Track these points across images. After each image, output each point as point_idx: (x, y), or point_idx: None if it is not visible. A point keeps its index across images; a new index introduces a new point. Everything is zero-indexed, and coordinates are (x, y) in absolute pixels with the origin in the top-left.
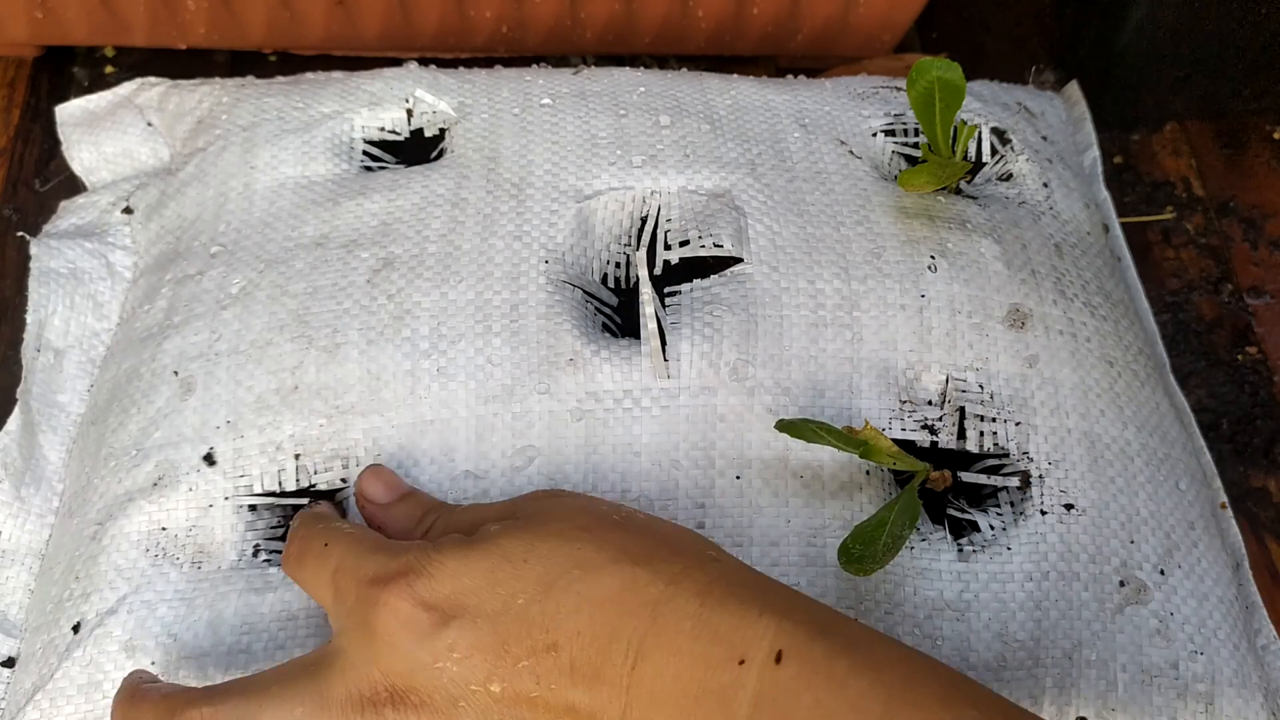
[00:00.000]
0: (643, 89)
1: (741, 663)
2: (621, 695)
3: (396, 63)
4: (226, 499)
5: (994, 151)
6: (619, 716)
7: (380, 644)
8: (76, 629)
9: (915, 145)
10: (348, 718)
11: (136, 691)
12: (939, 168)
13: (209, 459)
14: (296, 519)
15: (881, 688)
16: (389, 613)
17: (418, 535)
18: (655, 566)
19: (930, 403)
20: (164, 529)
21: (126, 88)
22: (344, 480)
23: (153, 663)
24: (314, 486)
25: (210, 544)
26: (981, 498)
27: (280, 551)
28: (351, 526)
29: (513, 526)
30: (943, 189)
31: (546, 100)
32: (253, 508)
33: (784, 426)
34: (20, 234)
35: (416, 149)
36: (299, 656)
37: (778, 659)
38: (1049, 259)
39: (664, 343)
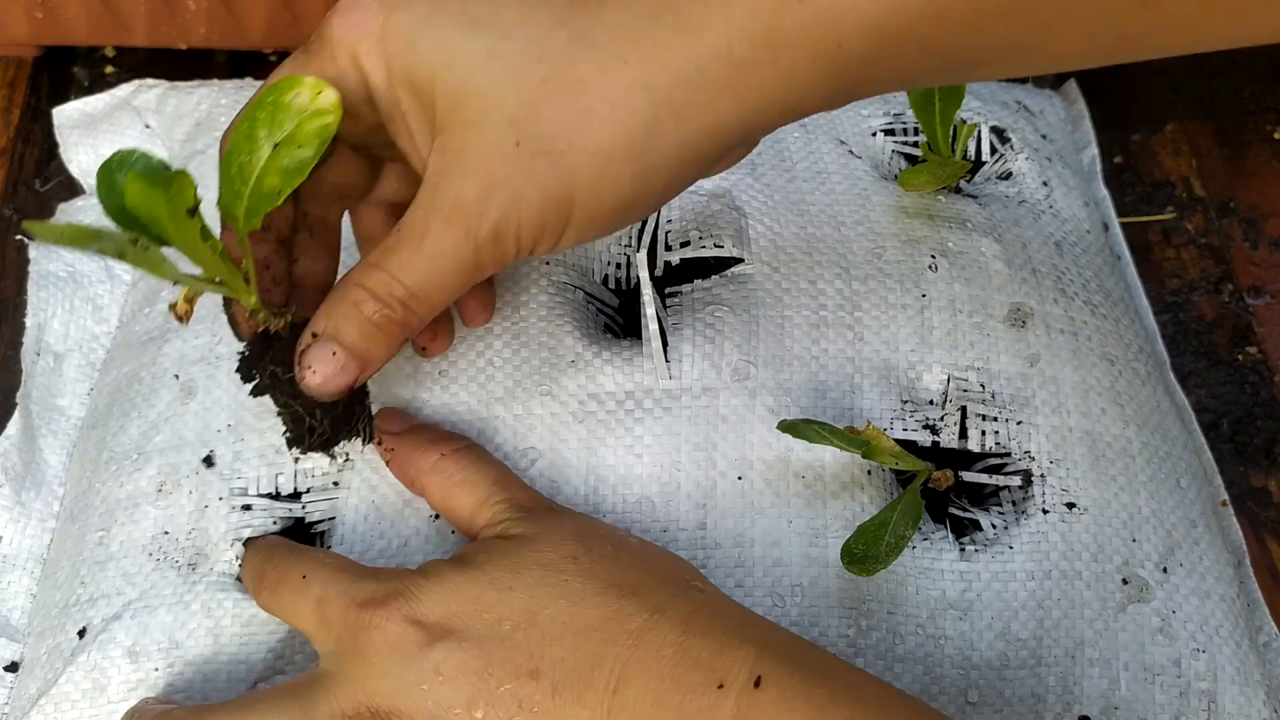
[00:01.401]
0: None
1: (720, 687)
2: (602, 719)
3: None
4: (221, 499)
5: (993, 150)
6: None
7: (369, 665)
8: (82, 634)
9: (915, 144)
10: None
11: (134, 713)
12: (939, 167)
13: (208, 461)
14: (249, 549)
15: (860, 716)
16: (379, 634)
17: (424, 468)
18: (640, 597)
19: (932, 402)
20: (166, 533)
21: (124, 90)
22: (336, 484)
23: (155, 668)
24: (310, 490)
25: (206, 545)
26: (983, 497)
27: None
28: (328, 556)
29: (501, 552)
30: (943, 188)
31: None
32: (247, 507)
33: (786, 427)
34: (19, 236)
35: None
36: (286, 682)
37: (757, 684)
38: (1049, 257)
39: (665, 343)
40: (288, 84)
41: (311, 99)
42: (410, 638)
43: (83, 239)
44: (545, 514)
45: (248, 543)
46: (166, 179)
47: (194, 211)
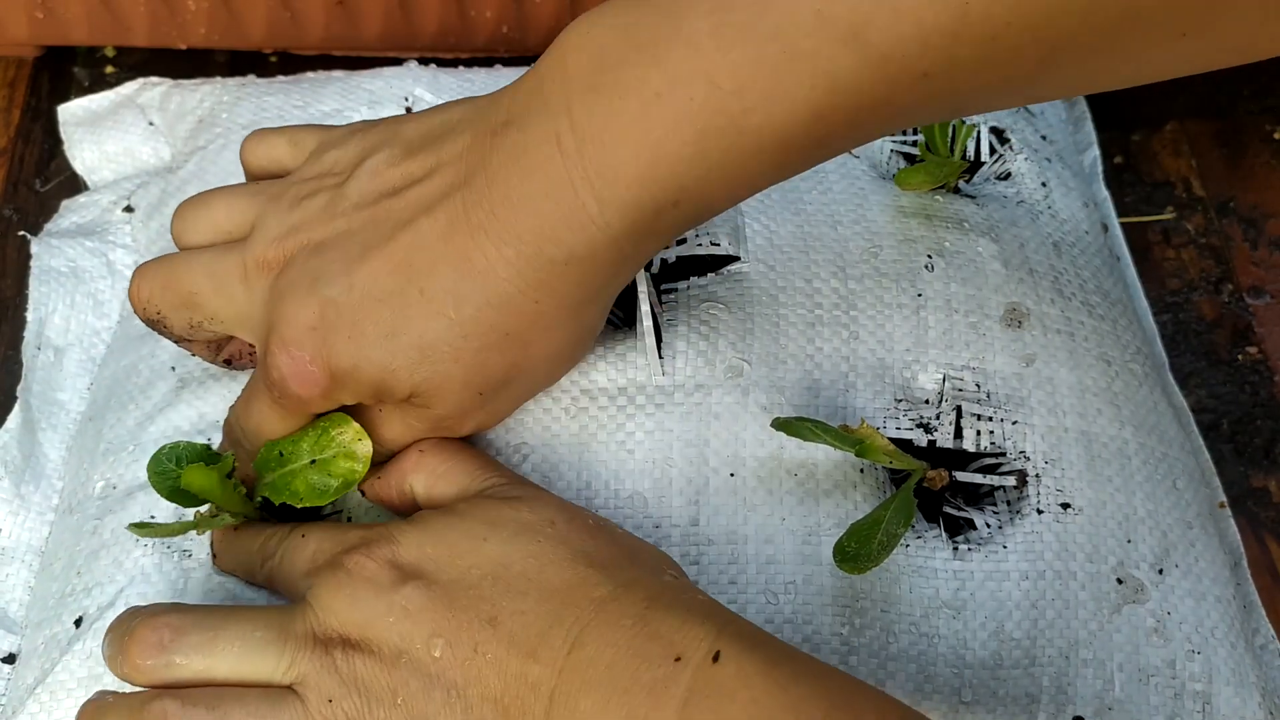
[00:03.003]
0: None
1: (678, 659)
2: (552, 676)
3: (397, 62)
4: None
5: (992, 150)
6: (547, 695)
7: (343, 595)
8: (79, 623)
9: (913, 144)
10: (299, 649)
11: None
12: (936, 167)
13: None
14: (249, 532)
15: (822, 696)
16: (357, 568)
17: (408, 468)
18: (609, 570)
19: (927, 401)
20: (152, 516)
21: (128, 87)
22: None
23: None
24: None
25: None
26: (978, 496)
27: None
28: (329, 522)
29: (484, 508)
30: (940, 188)
31: None
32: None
33: (780, 424)
34: (21, 233)
35: None
36: (271, 605)
37: (715, 659)
38: (1047, 258)
39: (660, 340)
40: (340, 420)
41: (352, 440)
42: (384, 576)
43: (174, 530)
44: (533, 487)
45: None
46: (215, 460)
47: (231, 474)
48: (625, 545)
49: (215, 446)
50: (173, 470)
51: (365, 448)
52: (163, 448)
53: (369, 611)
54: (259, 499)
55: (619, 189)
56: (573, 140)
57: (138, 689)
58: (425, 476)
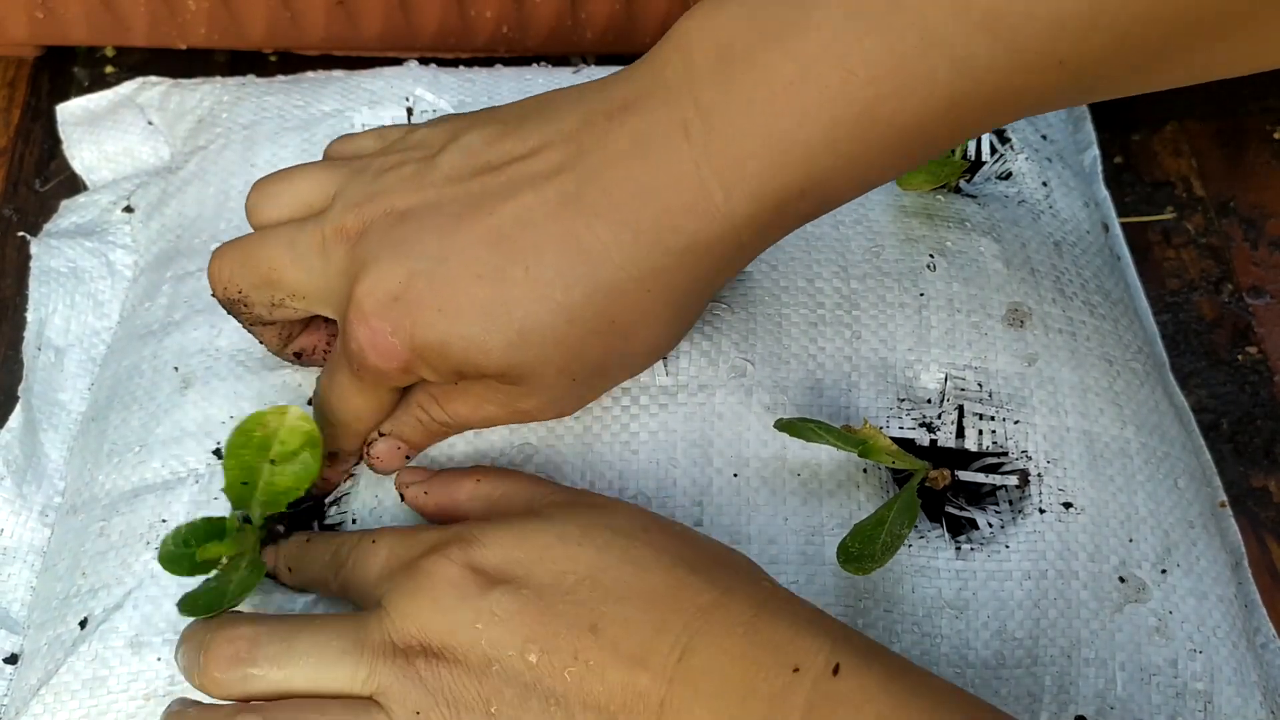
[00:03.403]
0: None
1: (796, 670)
2: (663, 685)
3: (397, 62)
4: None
5: (993, 150)
6: (657, 704)
7: (423, 601)
8: (83, 624)
9: None
10: (378, 658)
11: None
12: (937, 166)
13: (218, 454)
14: (312, 543)
15: (944, 712)
16: (438, 572)
17: (462, 497)
18: (710, 575)
19: (929, 401)
20: (164, 520)
21: (128, 87)
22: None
23: (159, 659)
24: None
25: None
26: (980, 496)
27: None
28: (395, 526)
29: (573, 511)
30: (941, 187)
31: None
32: None
33: (783, 425)
34: (21, 234)
35: None
36: (344, 612)
37: (835, 671)
38: (1048, 258)
39: None
40: (255, 420)
41: (279, 422)
42: (468, 580)
43: (226, 597)
44: (609, 498)
45: (294, 537)
46: (220, 525)
47: (242, 527)
48: (717, 551)
49: (221, 446)
50: (186, 552)
51: (296, 410)
52: (165, 539)
53: (454, 618)
54: (262, 531)
55: (747, 178)
56: (700, 128)
57: (215, 700)
58: (482, 504)
